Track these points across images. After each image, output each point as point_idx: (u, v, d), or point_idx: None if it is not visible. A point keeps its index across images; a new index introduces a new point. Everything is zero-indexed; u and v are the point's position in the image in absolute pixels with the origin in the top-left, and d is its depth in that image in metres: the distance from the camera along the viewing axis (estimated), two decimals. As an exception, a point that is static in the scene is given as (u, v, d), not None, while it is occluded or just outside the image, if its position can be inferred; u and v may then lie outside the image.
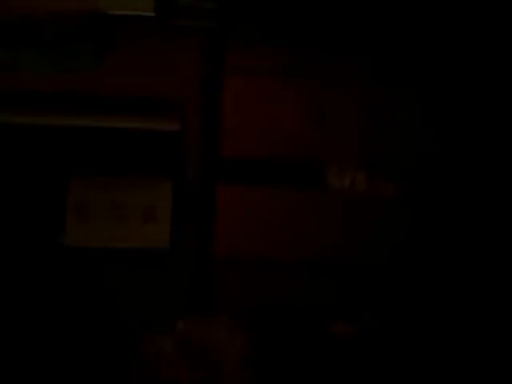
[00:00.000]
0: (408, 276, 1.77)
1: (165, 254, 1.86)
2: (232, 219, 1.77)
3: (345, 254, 1.76)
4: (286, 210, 1.77)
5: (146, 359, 1.53)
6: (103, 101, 1.80)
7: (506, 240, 1.78)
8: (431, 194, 1.78)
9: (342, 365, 1.65)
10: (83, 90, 1.76)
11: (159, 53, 1.75)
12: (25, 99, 1.77)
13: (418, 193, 1.76)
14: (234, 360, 1.47)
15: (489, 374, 1.67)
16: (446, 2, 1.71)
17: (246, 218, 1.76)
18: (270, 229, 1.77)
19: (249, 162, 1.77)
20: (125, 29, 1.72)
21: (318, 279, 1.76)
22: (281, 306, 1.75)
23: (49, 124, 1.79)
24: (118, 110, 1.81)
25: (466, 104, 1.75)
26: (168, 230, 1.86)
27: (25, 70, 1.71)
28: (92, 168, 1.87)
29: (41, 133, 1.81)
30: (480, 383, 1.66)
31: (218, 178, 1.77)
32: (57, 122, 1.80)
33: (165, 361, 1.49)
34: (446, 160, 1.77)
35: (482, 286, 1.79)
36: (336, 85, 1.74)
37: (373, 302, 1.77)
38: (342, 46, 1.72)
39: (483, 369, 1.68)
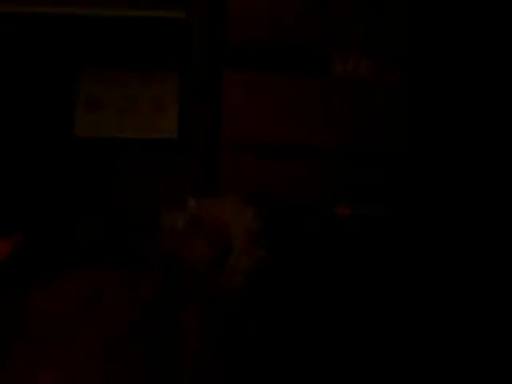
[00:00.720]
0: (411, 164, 1.79)
1: (174, 143, 1.90)
2: (238, 105, 1.79)
3: (349, 142, 1.79)
4: (290, 96, 1.79)
5: (160, 236, 1.57)
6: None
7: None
8: (435, 83, 1.79)
9: (344, 244, 1.69)
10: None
11: None
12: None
13: (421, 81, 1.78)
14: (244, 235, 1.51)
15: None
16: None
17: (252, 104, 1.79)
18: (275, 115, 1.79)
19: (254, 48, 1.79)
20: None
21: (322, 166, 1.79)
22: (288, 192, 1.79)
23: (56, 13, 1.81)
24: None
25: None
26: (176, 121, 1.91)
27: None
28: (101, 61, 1.90)
29: (50, 22, 1.83)
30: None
31: (224, 65, 1.79)
32: (63, 10, 1.81)
33: (178, 237, 1.53)
34: (453, 50, 1.78)
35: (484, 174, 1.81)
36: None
37: (377, 189, 1.79)
38: None
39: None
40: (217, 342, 1.36)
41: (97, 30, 1.86)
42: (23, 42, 1.85)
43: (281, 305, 1.53)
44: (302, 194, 1.79)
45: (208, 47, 1.81)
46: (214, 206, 1.59)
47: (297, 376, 1.50)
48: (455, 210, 1.78)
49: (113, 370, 1.18)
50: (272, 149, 1.80)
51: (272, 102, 1.79)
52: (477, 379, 1.52)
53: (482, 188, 1.78)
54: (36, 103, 1.87)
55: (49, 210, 1.81)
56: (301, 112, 1.80)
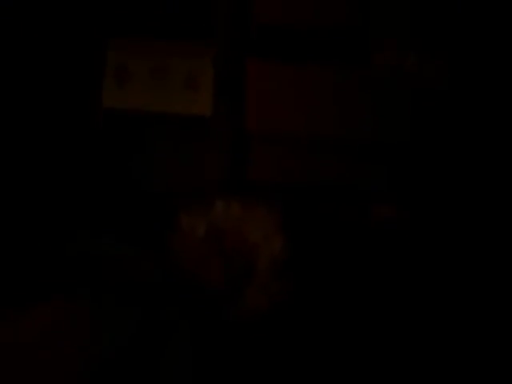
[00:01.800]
0: (452, 166, 1.63)
1: (205, 122, 1.78)
2: (262, 94, 1.66)
3: (383, 137, 1.63)
4: (322, 87, 1.65)
5: (178, 239, 1.46)
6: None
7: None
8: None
9: (384, 254, 1.55)
10: None
11: None
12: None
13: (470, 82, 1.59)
14: (268, 266, 1.39)
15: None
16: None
17: (279, 93, 1.66)
18: (305, 106, 1.66)
19: (282, 31, 1.63)
20: None
21: (351, 161, 1.65)
22: (316, 187, 1.64)
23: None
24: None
25: None
26: (210, 97, 1.78)
27: None
28: (132, 31, 1.78)
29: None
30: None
31: (248, 51, 1.66)
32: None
33: (193, 253, 1.43)
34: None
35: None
36: None
37: (410, 188, 1.64)
38: None
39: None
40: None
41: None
42: (51, 11, 1.74)
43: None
44: (331, 189, 1.64)
45: (232, 28, 1.65)
46: (243, 220, 1.46)
47: None
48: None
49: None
50: (300, 142, 1.66)
51: (300, 92, 1.65)
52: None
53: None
54: (64, 74, 1.78)
55: (67, 188, 1.72)
56: (335, 105, 1.65)
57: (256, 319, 1.37)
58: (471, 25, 1.60)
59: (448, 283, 1.54)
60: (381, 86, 1.63)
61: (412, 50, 1.60)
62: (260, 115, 1.67)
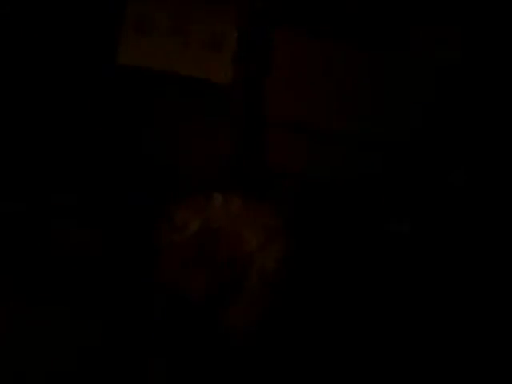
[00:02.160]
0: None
1: (222, 90, 1.63)
2: (290, 73, 1.53)
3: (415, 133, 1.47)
4: (353, 73, 1.50)
5: (167, 234, 1.33)
6: None
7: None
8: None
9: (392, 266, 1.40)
10: None
11: None
12: None
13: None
14: (260, 281, 1.24)
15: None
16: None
17: (306, 75, 1.51)
18: (332, 94, 1.51)
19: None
20: None
21: (372, 156, 1.50)
22: (330, 180, 1.51)
23: None
24: None
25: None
26: (230, 63, 1.63)
27: None
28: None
29: None
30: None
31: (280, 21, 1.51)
32: None
33: (183, 247, 1.28)
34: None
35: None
36: None
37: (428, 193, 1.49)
38: None
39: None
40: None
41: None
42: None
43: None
44: (347, 184, 1.50)
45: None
46: (240, 221, 1.30)
47: None
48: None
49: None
50: (320, 133, 1.53)
51: (330, 77, 1.50)
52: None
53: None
54: (81, 24, 1.67)
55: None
56: (365, 94, 1.50)
57: (240, 338, 1.23)
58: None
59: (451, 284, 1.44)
60: (417, 75, 1.44)
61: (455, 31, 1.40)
62: (283, 100, 1.54)
